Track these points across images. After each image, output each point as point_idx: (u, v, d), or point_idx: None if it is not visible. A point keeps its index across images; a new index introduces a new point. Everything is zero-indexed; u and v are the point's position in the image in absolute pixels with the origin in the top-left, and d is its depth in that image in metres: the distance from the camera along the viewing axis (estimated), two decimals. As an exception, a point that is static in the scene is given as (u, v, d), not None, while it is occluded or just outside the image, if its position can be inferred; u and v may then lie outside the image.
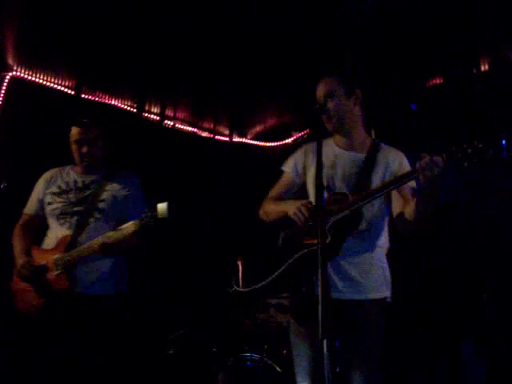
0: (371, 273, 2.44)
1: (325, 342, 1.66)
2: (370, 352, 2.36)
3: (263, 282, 2.43)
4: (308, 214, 2.29)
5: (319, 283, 1.68)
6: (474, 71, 4.90)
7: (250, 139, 6.71)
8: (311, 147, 2.62)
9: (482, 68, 4.88)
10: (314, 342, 1.97)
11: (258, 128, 6.60)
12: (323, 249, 1.73)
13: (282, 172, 2.75)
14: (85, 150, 3.12)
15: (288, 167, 2.71)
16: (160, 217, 2.77)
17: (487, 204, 4.54)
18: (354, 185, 2.46)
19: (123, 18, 4.46)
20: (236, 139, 6.69)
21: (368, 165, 2.49)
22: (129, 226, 2.84)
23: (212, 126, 6.46)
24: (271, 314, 4.26)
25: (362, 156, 2.54)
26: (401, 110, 5.25)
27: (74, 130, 3.13)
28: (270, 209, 2.63)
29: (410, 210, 2.37)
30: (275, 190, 2.72)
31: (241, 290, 2.62)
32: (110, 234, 2.87)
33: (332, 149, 2.61)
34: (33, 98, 4.89)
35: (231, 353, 4.10)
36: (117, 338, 3.00)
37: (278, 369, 3.87)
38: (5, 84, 4.79)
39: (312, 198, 2.56)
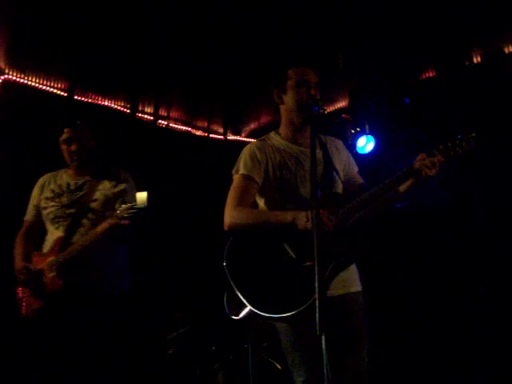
0: (353, 266, 2.51)
1: (323, 337, 1.69)
2: (364, 339, 2.42)
3: (307, 302, 2.14)
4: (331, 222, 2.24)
5: (316, 282, 1.69)
6: (467, 63, 4.91)
7: (245, 137, 6.69)
8: (266, 146, 2.59)
9: (475, 60, 4.89)
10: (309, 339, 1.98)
11: (253, 125, 6.60)
12: (319, 248, 1.74)
13: (234, 175, 2.59)
14: (73, 148, 3.13)
15: (246, 170, 2.52)
16: (139, 206, 2.80)
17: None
18: (325, 182, 2.46)
19: (115, 18, 4.45)
20: (230, 137, 6.68)
21: (327, 160, 2.48)
22: (103, 224, 2.89)
23: (206, 124, 6.45)
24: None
25: (319, 152, 2.45)
26: (394, 103, 5.26)
27: (64, 130, 3.15)
28: (253, 218, 2.47)
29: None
30: (240, 197, 2.52)
31: (287, 314, 2.19)
32: (90, 233, 2.93)
33: (288, 145, 2.59)
34: (25, 101, 4.87)
35: (231, 351, 4.10)
36: (117, 337, 3.02)
37: (278, 366, 3.88)
38: (-3, 87, 4.78)
39: (280, 195, 2.51)
